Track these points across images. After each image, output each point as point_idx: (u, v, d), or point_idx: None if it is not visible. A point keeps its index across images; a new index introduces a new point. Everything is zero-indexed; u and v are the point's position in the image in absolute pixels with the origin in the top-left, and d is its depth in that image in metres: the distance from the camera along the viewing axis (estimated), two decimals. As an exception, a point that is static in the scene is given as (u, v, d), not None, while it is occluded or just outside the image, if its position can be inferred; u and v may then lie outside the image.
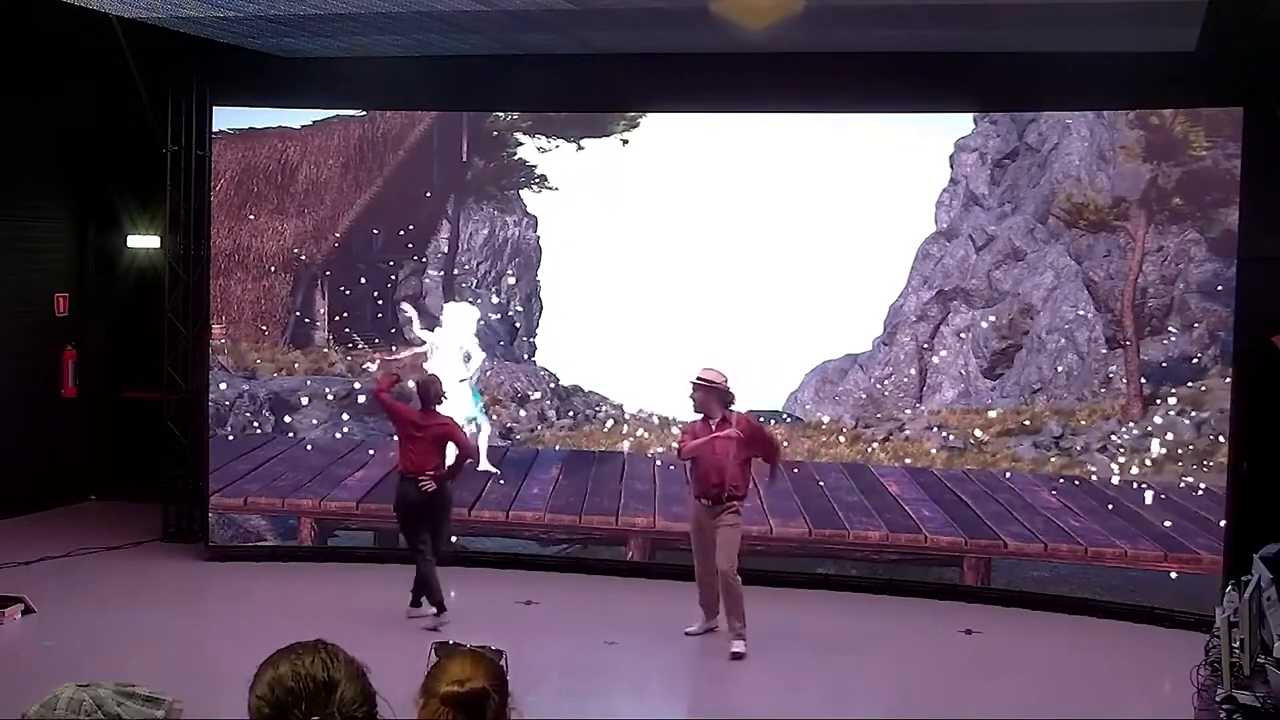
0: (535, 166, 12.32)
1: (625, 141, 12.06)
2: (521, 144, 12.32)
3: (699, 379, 9.62)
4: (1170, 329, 10.81)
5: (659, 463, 12.02)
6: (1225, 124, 10.55)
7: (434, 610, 9.83)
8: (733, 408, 9.64)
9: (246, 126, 12.42)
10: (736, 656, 9.27)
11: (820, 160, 11.63)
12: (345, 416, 12.34)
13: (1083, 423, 11.10)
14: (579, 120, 12.22)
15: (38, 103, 12.97)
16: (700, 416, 9.66)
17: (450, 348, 12.31)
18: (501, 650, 2.65)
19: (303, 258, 12.48)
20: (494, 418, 12.32)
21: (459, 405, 11.65)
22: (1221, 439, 10.47)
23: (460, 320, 12.38)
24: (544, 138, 12.27)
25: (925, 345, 11.72)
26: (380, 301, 12.49)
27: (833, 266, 11.60)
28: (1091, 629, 10.38)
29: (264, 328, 12.49)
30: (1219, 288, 10.57)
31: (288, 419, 12.38)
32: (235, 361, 12.40)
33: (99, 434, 14.18)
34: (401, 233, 12.54)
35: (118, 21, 10.85)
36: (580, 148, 12.20)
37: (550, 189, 12.32)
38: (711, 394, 9.57)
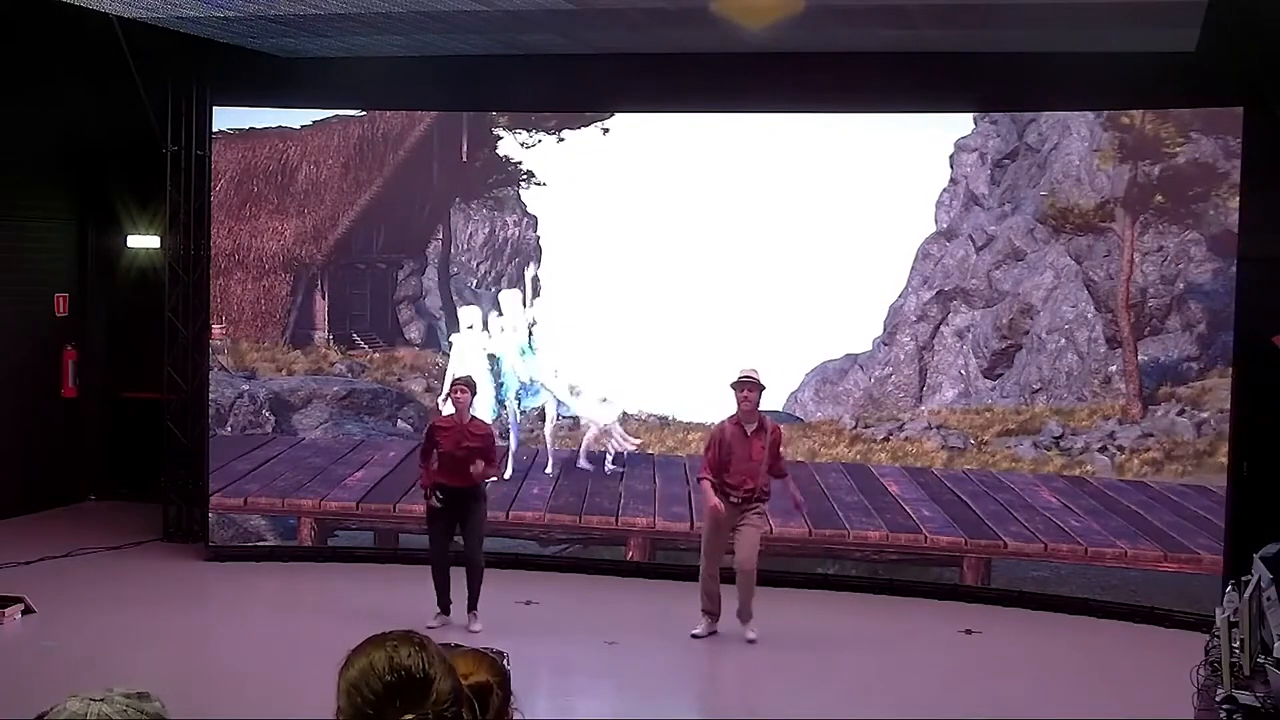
0: (520, 163, 12.32)
1: (606, 130, 12.03)
2: (501, 139, 12.32)
3: (756, 379, 9.61)
4: (1170, 329, 10.81)
5: (659, 462, 12.04)
6: (1193, 121, 10.60)
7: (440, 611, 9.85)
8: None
9: (246, 126, 12.42)
10: (752, 642, 9.48)
11: (820, 160, 11.62)
12: (345, 416, 12.35)
13: (1083, 423, 11.10)
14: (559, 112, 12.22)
15: (38, 103, 12.97)
16: (731, 416, 9.69)
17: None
18: (503, 651, 2.65)
19: (303, 258, 12.48)
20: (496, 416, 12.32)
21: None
22: (1221, 439, 10.48)
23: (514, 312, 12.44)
24: (524, 132, 12.26)
25: (925, 345, 11.72)
26: (380, 301, 12.51)
27: (833, 266, 11.60)
28: (1091, 629, 10.38)
29: (264, 328, 12.49)
30: (1219, 288, 10.57)
31: (288, 419, 12.38)
32: (235, 361, 12.39)
33: (99, 434, 14.19)
34: (401, 232, 12.55)
35: (118, 21, 10.84)
36: (561, 139, 12.19)
37: (538, 184, 12.31)
38: (760, 396, 9.65)
